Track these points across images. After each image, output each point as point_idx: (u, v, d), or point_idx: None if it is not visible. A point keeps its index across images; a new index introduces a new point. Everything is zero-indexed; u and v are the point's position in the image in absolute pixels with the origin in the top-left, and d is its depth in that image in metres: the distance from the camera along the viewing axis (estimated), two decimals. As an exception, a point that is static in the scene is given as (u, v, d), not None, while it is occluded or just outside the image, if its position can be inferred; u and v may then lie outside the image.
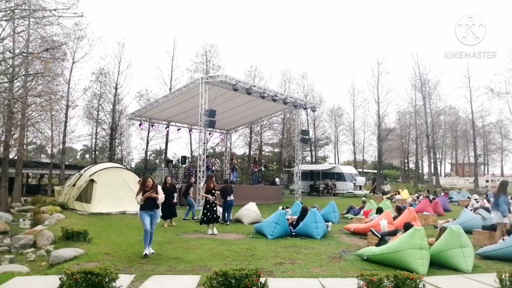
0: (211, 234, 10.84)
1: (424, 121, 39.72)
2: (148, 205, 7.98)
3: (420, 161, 48.61)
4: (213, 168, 24.71)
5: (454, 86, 72.60)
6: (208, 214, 11.02)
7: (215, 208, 11.23)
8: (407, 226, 8.24)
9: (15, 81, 14.48)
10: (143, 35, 76.64)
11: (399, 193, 27.07)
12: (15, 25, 13.50)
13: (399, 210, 12.78)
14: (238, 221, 13.96)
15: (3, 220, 13.06)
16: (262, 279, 4.31)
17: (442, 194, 26.46)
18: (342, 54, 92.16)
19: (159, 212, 8.32)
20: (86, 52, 31.53)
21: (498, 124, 39.83)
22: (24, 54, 11.12)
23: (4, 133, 15.27)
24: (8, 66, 12.92)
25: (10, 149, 17.37)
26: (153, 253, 7.94)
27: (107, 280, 4.23)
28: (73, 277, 4.15)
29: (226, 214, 13.74)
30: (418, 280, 4.20)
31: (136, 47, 73.11)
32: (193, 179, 18.68)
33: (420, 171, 50.96)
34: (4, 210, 15.55)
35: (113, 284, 4.28)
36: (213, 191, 11.29)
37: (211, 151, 40.58)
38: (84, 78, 68.38)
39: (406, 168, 54.47)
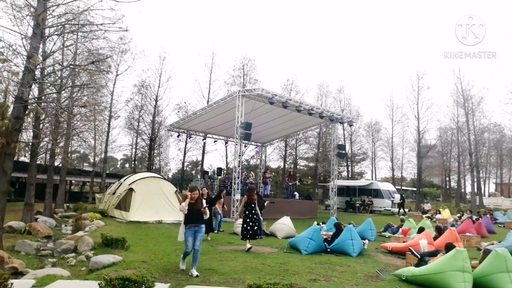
0: (248, 249, 10.13)
1: (467, 138, 38.17)
2: (193, 218, 7.36)
3: (463, 180, 46.67)
4: (248, 180, 24.79)
5: (499, 103, 69.64)
6: (249, 228, 10.39)
7: (256, 223, 10.58)
8: (448, 247, 7.90)
9: (63, 92, 15.22)
10: (183, 49, 78.76)
11: (439, 213, 26.09)
12: (65, 39, 14.28)
13: (440, 230, 12.29)
14: (272, 234, 13.88)
15: (47, 225, 13.62)
16: (296, 295, 4.24)
17: (487, 215, 25.23)
18: (381, 68, 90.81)
19: (203, 228, 7.63)
20: (129, 65, 32.86)
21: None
22: (72, 67, 11.68)
23: (51, 141, 16.01)
24: (57, 77, 13.62)
25: (56, 157, 18.19)
26: (197, 275, 7.06)
27: (143, 287, 4.30)
28: (111, 283, 4.26)
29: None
30: (461, 305, 3.99)
31: (176, 60, 75.11)
32: (224, 192, 17.83)
33: (463, 190, 48.92)
34: (49, 215, 16.24)
35: (150, 292, 4.34)
36: (253, 205, 10.59)
37: (246, 163, 40.81)
38: (126, 90, 70.99)
39: (448, 187, 52.45)
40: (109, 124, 31.19)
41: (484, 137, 42.19)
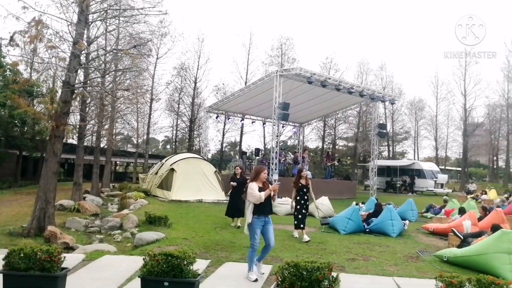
0: (306, 241, 8.80)
1: (517, 116, 36.16)
2: (264, 207, 5.92)
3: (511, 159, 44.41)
4: (285, 160, 24.83)
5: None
6: (300, 216, 9.16)
7: (305, 211, 9.31)
8: (494, 228, 7.63)
9: (106, 76, 15.76)
10: (221, 30, 78.76)
11: (485, 193, 25.04)
12: (107, 24, 14.69)
13: (485, 211, 11.86)
14: (309, 214, 13.90)
15: (95, 203, 14.33)
16: (334, 273, 4.28)
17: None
18: (425, 43, 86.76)
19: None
20: (169, 48, 33.49)
21: None
22: (115, 51, 12.03)
23: (97, 124, 16.69)
24: (101, 62, 14.10)
25: (101, 139, 18.99)
26: (263, 273, 6.01)
27: (185, 263, 4.47)
28: (155, 258, 4.46)
29: None
30: (505, 286, 3.89)
31: (215, 42, 75.43)
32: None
33: (511, 170, 46.60)
34: (96, 194, 17.07)
35: (191, 267, 4.52)
36: (305, 190, 9.30)
37: (283, 144, 40.80)
38: (166, 73, 72.22)
39: (495, 167, 50.10)
40: (150, 107, 32.04)
41: (536, 114, 39.77)
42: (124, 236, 9.09)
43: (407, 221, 11.89)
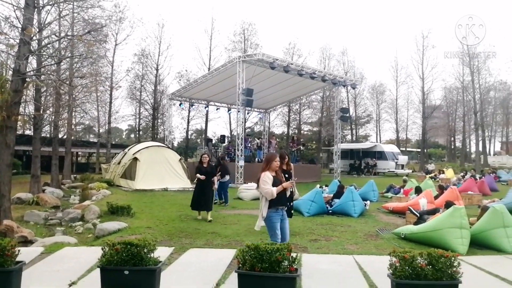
0: None
1: (472, 97, 37.73)
2: (280, 199, 5.30)
3: (468, 140, 46.53)
4: (250, 146, 24.94)
5: (506, 60, 68.20)
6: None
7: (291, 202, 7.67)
8: (448, 205, 8.00)
9: (62, 63, 15.13)
10: (182, 16, 77.20)
11: (443, 173, 26.22)
12: (60, 9, 14.03)
13: (442, 189, 12.41)
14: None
15: (55, 196, 13.92)
16: (293, 254, 4.37)
17: (491, 174, 25.32)
18: (385, 28, 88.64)
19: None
20: (128, 34, 32.63)
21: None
22: (68, 37, 11.56)
23: (53, 114, 16.08)
24: (55, 49, 13.51)
25: (59, 129, 18.32)
26: None
27: (145, 250, 4.42)
28: (114, 248, 4.38)
29: (223, 195, 12.58)
30: (453, 258, 4.09)
31: (176, 27, 74.04)
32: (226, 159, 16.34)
33: (468, 149, 48.87)
34: (56, 186, 16.55)
35: (152, 255, 4.48)
36: (288, 176, 7.25)
37: (250, 130, 40.85)
38: (126, 59, 70.27)
39: (453, 147, 52.39)
40: (111, 95, 31.07)
41: (490, 96, 41.72)
42: (85, 227, 8.89)
43: (368, 202, 12.29)
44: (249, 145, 24.69)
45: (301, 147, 29.11)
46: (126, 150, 20.28)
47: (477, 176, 22.02)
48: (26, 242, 7.43)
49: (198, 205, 9.68)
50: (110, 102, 31.64)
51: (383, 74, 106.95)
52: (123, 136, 66.91)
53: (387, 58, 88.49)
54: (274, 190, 5.11)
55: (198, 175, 9.59)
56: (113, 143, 39.18)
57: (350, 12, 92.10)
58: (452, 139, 50.73)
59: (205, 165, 9.87)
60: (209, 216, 9.53)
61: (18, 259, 4.55)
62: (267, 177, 5.23)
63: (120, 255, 4.34)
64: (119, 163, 18.95)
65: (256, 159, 24.37)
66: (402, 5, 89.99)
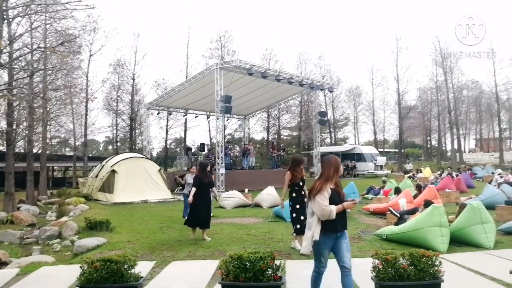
0: (299, 250, 6.76)
1: (446, 97, 38.76)
2: (335, 222, 4.05)
3: (443, 138, 47.71)
4: (231, 153, 24.84)
5: (477, 59, 70.22)
6: (302, 218, 6.97)
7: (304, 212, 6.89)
8: (426, 204, 8.11)
9: (35, 76, 14.77)
10: (157, 25, 76.78)
11: (421, 172, 26.69)
12: (32, 20, 13.72)
13: (420, 188, 12.61)
14: (257, 205, 14.05)
15: (31, 213, 13.48)
16: (277, 261, 4.33)
17: (467, 171, 25.92)
18: (360, 32, 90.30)
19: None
20: (103, 44, 32.23)
21: (524, 96, 38.52)
22: (41, 49, 11.31)
23: (27, 128, 15.66)
24: (28, 61, 13.18)
25: (34, 144, 17.84)
26: None
27: (126, 267, 4.32)
28: (93, 265, 4.26)
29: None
30: (434, 258, 4.15)
31: (151, 37, 73.43)
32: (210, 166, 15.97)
33: (443, 148, 50.05)
34: (31, 203, 16.06)
35: (132, 271, 4.37)
36: (301, 184, 7.33)
37: (230, 137, 40.76)
38: (102, 70, 69.35)
39: (429, 146, 53.54)
40: (86, 106, 30.58)
41: (463, 95, 42.98)
42: (63, 244, 8.62)
43: (349, 204, 12.34)
44: (230, 152, 24.59)
45: (282, 152, 29.20)
46: (103, 162, 19.90)
47: (454, 173, 22.50)
48: (0, 264, 7.16)
49: (197, 222, 8.29)
50: (86, 114, 31.14)
51: (359, 77, 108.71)
52: (100, 148, 65.73)
53: (363, 61, 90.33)
54: (334, 210, 3.94)
55: (193, 189, 8.26)
56: (90, 155, 38.40)
57: (326, 16, 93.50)
58: (428, 138, 51.93)
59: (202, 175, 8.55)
60: (207, 235, 8.29)
61: (-9, 282, 4.38)
62: (326, 190, 4.04)
63: (100, 272, 4.22)
64: (96, 176, 18.57)
65: (244, 165, 24.25)
66: (376, 8, 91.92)
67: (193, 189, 8.27)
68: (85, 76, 29.45)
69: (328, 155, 4.65)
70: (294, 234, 7.22)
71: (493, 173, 23.69)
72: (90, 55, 30.46)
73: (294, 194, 7.23)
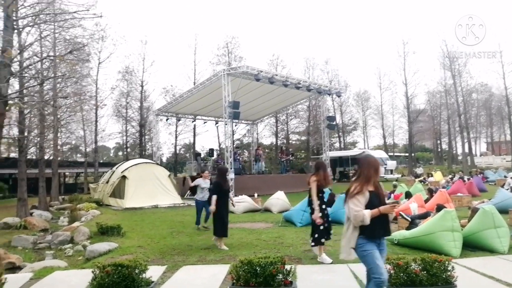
0: (327, 263, 6.59)
1: (455, 100, 38.44)
2: (374, 228, 3.68)
3: (454, 142, 47.25)
4: (240, 158, 24.88)
5: (485, 62, 69.68)
6: (322, 227, 6.77)
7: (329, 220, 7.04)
8: (438, 208, 8.07)
9: (45, 84, 14.96)
10: (165, 32, 77.40)
11: (431, 175, 26.45)
12: (41, 30, 13.93)
13: (431, 193, 12.49)
14: (267, 210, 14.03)
15: (43, 218, 13.63)
16: (288, 266, 4.33)
17: (479, 174, 25.63)
18: (366, 37, 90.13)
19: None
20: (111, 52, 32.58)
21: (535, 98, 38.05)
22: (50, 58, 11.47)
23: (38, 135, 15.86)
24: (38, 70, 13.36)
25: (45, 151, 18.04)
26: None
27: (137, 271, 4.35)
28: (104, 270, 4.30)
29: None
30: (447, 263, 4.11)
31: (159, 44, 74.03)
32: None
33: (454, 151, 49.54)
34: (44, 208, 16.23)
35: (143, 275, 4.40)
36: (323, 192, 7.04)
37: (239, 142, 40.82)
38: (111, 77, 70.00)
39: (439, 150, 53.05)
40: (96, 113, 30.86)
41: (473, 98, 42.53)
42: (75, 249, 8.69)
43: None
44: (239, 157, 24.63)
45: (291, 157, 29.16)
46: (114, 168, 20.06)
47: (465, 177, 22.26)
48: (14, 268, 7.23)
49: (226, 230, 8.07)
50: (96, 121, 31.44)
51: (367, 81, 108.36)
52: (111, 154, 66.29)
53: (370, 66, 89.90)
54: (368, 215, 3.58)
55: (214, 196, 7.96)
56: (101, 161, 38.76)
57: (332, 21, 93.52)
58: (438, 142, 51.44)
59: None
60: (223, 245, 7.94)
61: (5, 287, 4.44)
62: (363, 193, 3.71)
63: (111, 277, 4.26)
64: (107, 182, 18.71)
65: (254, 171, 24.30)
66: (382, 12, 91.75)
67: (214, 197, 7.94)
68: (94, 83, 29.76)
69: (365, 155, 4.40)
70: (317, 245, 6.76)
71: (505, 176, 23.40)
72: (99, 63, 30.83)
73: (319, 202, 6.74)
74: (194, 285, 5.58)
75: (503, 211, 9.13)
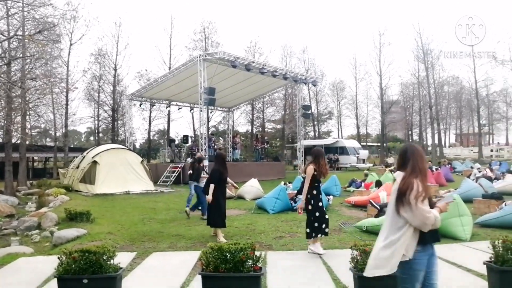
0: (320, 254, 6.30)
1: (427, 92, 39.33)
2: (434, 231, 2.99)
3: (424, 133, 48.45)
4: (215, 146, 24.76)
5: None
6: (327, 217, 6.56)
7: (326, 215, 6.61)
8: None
9: (12, 65, 14.39)
10: (140, 14, 75.52)
11: (402, 165, 27.01)
12: (8, 7, 13.32)
13: (401, 182, 12.79)
14: (240, 197, 14.08)
15: (9, 204, 13.21)
16: (257, 253, 4.35)
17: (447, 165, 26.41)
18: (344, 27, 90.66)
19: None
20: (83, 33, 31.64)
21: (503, 93, 39.46)
22: (18, 37, 11.01)
23: (4, 118, 15.29)
24: (5, 49, 12.83)
25: (12, 134, 17.42)
26: None
27: (104, 258, 4.27)
28: (71, 256, 4.20)
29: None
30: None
31: (134, 27, 72.27)
32: (200, 154, 14.34)
33: (424, 142, 50.80)
34: (10, 194, 15.72)
35: (111, 262, 4.33)
36: (320, 181, 6.73)
37: (214, 129, 40.60)
38: (83, 59, 68.11)
39: (410, 140, 54.30)
40: (67, 96, 29.93)
41: (444, 90, 43.60)
42: (42, 235, 8.48)
43: (331, 196, 12.54)
44: (213, 144, 24.50)
45: (266, 145, 29.25)
46: (84, 153, 19.59)
47: (434, 167, 22.90)
48: (-23, 255, 7.00)
49: (223, 219, 7.59)
50: (67, 104, 30.49)
51: (343, 71, 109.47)
52: (82, 139, 64.78)
53: (347, 56, 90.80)
54: (438, 216, 2.93)
55: (212, 185, 7.43)
56: (71, 146, 37.71)
57: (310, 10, 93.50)
58: (410, 132, 52.63)
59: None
60: (221, 237, 7.38)
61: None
62: (428, 192, 3.01)
63: (78, 263, 4.17)
64: (77, 167, 18.28)
65: (228, 159, 24.15)
66: (360, 2, 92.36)
67: (212, 186, 7.39)
68: (65, 65, 28.77)
69: (407, 143, 3.41)
70: (316, 236, 6.38)
71: (472, 167, 24.21)
72: (71, 44, 29.75)
73: (315, 192, 6.45)
74: (164, 271, 5.56)
75: (468, 200, 9.45)
